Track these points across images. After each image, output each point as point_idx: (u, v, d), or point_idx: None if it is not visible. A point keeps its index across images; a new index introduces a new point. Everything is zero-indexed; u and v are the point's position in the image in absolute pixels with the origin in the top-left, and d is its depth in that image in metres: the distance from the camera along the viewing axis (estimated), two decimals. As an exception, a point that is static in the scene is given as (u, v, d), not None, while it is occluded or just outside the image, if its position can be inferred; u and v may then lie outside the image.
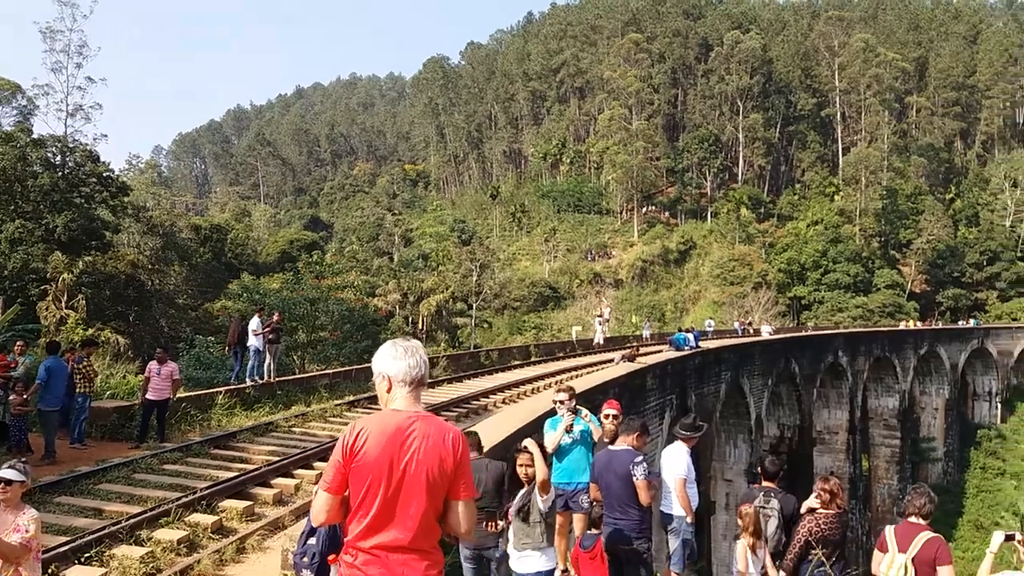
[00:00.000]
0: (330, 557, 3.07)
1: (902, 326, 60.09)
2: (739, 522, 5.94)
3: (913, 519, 5.22)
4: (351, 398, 17.74)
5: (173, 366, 13.33)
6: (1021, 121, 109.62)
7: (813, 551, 5.65)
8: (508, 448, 9.78)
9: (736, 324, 50.66)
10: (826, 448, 42.03)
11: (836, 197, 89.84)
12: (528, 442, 5.38)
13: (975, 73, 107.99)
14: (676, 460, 6.46)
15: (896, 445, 49.27)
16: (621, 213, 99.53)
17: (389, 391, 3.05)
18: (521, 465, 5.23)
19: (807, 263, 76.40)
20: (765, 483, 6.76)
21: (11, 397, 11.27)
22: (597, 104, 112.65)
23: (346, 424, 15.28)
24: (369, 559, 2.85)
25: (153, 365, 13.06)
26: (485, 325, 69.54)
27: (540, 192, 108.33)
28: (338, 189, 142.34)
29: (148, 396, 12.83)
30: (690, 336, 26.08)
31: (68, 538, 7.90)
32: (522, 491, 5.29)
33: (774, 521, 6.30)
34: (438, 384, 21.74)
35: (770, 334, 43.10)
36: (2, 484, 4.88)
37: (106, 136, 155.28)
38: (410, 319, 58.58)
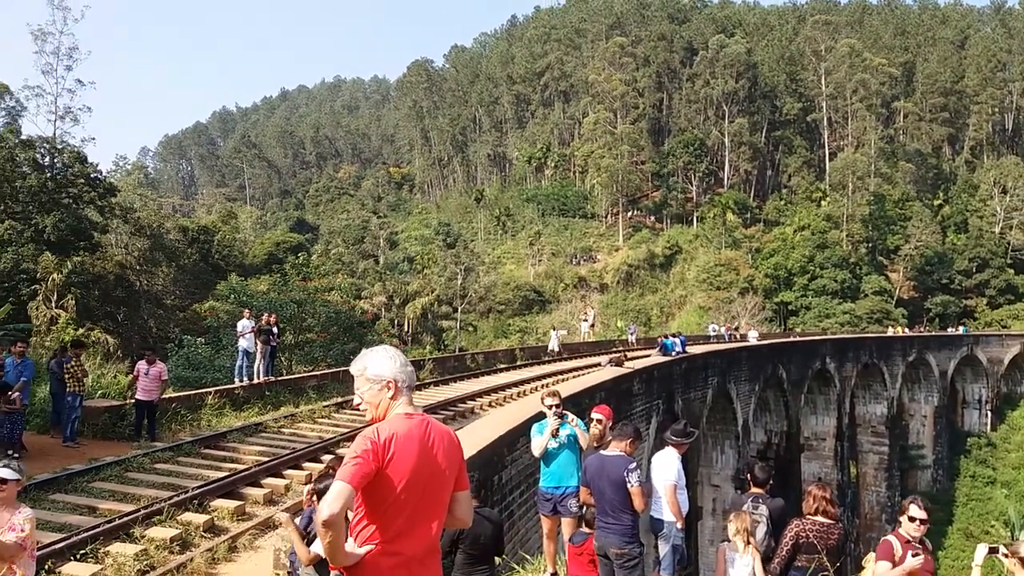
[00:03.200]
0: (331, 565, 3.10)
1: (890, 332, 60.22)
2: (732, 526, 6.02)
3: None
4: (339, 399, 17.80)
5: (161, 366, 13.46)
6: (1010, 127, 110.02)
7: (802, 557, 5.74)
8: (496, 451, 9.93)
9: (713, 327, 50.40)
10: (814, 455, 42.27)
11: (823, 202, 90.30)
12: (284, 518, 5.41)
13: (963, 79, 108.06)
14: (667, 466, 6.51)
15: (884, 452, 49.50)
16: (606, 217, 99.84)
17: (395, 397, 3.14)
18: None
19: (794, 268, 76.70)
20: (754, 489, 6.83)
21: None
22: (582, 108, 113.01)
23: (336, 425, 15.41)
24: (398, 562, 2.98)
25: (142, 365, 13.17)
26: (470, 328, 69.64)
27: (525, 196, 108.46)
28: (323, 191, 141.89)
29: (137, 396, 12.97)
30: (677, 341, 26.31)
31: (63, 535, 7.96)
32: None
33: (763, 527, 6.37)
34: (424, 387, 21.80)
35: (757, 340, 43.31)
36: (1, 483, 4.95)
37: (94, 139, 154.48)
38: (396, 321, 58.56)
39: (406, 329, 57.69)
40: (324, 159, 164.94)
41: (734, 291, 73.78)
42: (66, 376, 12.47)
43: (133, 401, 13.31)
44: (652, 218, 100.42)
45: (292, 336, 25.79)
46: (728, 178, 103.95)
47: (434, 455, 3.08)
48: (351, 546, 2.98)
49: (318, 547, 5.00)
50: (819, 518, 5.84)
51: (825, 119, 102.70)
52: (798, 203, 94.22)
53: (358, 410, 3.24)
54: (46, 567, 7.07)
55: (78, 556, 7.61)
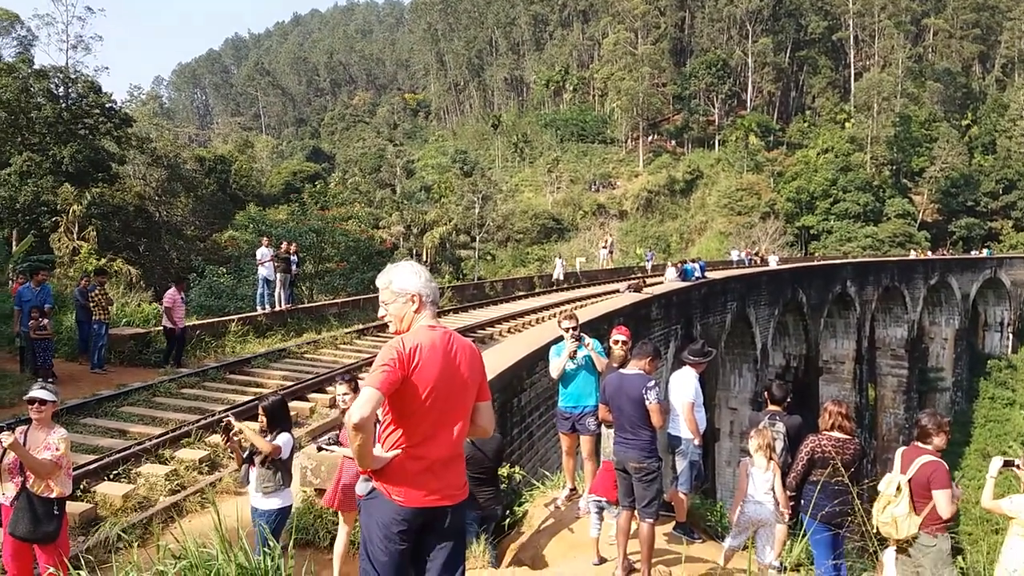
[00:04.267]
0: (359, 469, 3.19)
1: (912, 255, 59.42)
2: (753, 441, 6.08)
3: (919, 443, 5.31)
4: (360, 326, 18.01)
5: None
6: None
7: (817, 471, 5.80)
8: (515, 374, 10.02)
9: (735, 253, 50.18)
10: (832, 378, 42.44)
11: (847, 124, 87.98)
12: (233, 421, 5.71)
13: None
14: (684, 384, 6.57)
15: (903, 375, 49.67)
16: (626, 142, 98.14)
17: (419, 311, 3.27)
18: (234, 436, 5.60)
19: (816, 192, 75.40)
20: (772, 407, 6.89)
21: (29, 322, 11.52)
22: (602, 28, 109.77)
23: (357, 351, 15.62)
24: (423, 466, 3.15)
25: (175, 294, 13.39)
26: (489, 257, 69.53)
27: (543, 121, 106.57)
28: (338, 119, 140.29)
29: (170, 324, 13.21)
30: (696, 266, 26.16)
31: (96, 456, 8.24)
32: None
33: (780, 443, 6.46)
34: (444, 314, 21.98)
35: (777, 264, 43.04)
36: (37, 403, 5.08)
37: (108, 68, 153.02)
38: (414, 251, 58.58)
39: (424, 259, 57.65)
40: (338, 86, 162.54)
41: (755, 216, 72.82)
42: (91, 304, 12.68)
43: (162, 328, 13.53)
44: (673, 142, 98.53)
45: (312, 265, 25.93)
46: (751, 100, 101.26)
47: (457, 365, 3.23)
48: (378, 451, 3.13)
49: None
50: (835, 433, 5.89)
51: (852, 37, 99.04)
52: (822, 125, 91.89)
53: (384, 322, 3.34)
54: (81, 486, 7.33)
55: (111, 476, 7.88)
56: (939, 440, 5.26)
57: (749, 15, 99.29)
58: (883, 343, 49.81)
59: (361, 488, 3.26)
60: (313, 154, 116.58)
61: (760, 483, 5.92)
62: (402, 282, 3.27)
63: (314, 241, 25.87)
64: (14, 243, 28.10)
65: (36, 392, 5.10)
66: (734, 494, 6.26)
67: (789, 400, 7.03)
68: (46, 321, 11.78)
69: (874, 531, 5.32)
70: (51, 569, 4.71)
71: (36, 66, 41.55)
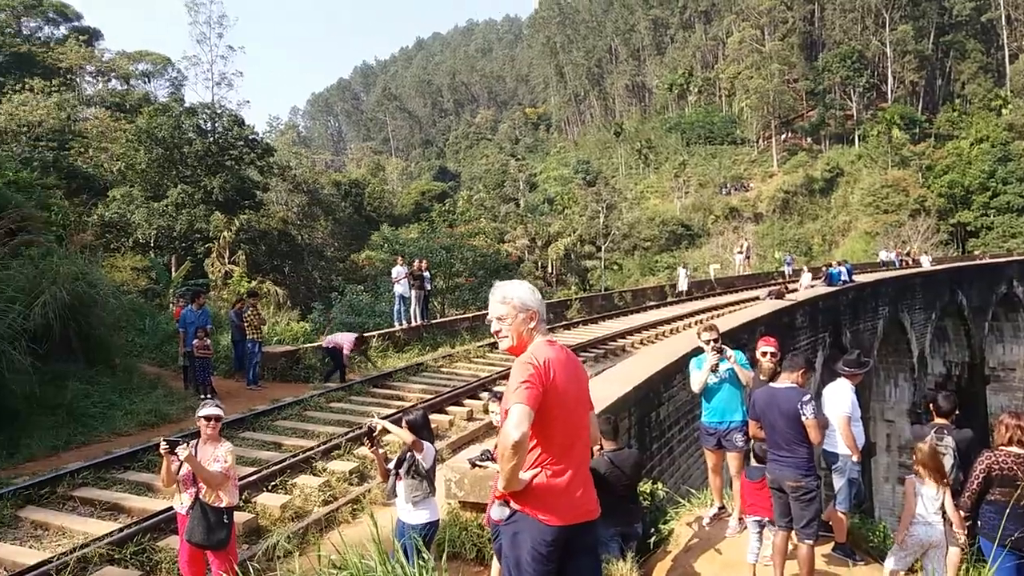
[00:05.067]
0: (495, 494, 3.17)
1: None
2: (913, 457, 5.66)
3: None
4: (491, 340, 18.19)
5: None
6: None
7: (995, 490, 5.31)
8: (651, 387, 9.77)
9: (884, 253, 47.11)
10: (1001, 386, 38.82)
11: (1004, 111, 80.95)
12: (376, 422, 5.75)
13: None
14: (840, 397, 6.22)
15: (1091, 383, 44.83)
16: (757, 142, 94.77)
17: (536, 328, 3.29)
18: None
19: (972, 186, 69.61)
20: (938, 420, 6.43)
21: (195, 342, 12.41)
22: (725, 27, 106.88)
23: (490, 364, 15.83)
24: (567, 480, 3.14)
25: (351, 339, 14.20)
26: (615, 267, 68.93)
27: (667, 125, 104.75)
28: (462, 138, 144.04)
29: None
30: (843, 270, 24.77)
31: (255, 468, 8.73)
32: (402, 452, 5.62)
33: (949, 459, 5.98)
34: (573, 326, 21.91)
35: (930, 264, 40.16)
36: (212, 420, 5.44)
37: (248, 102, 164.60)
38: (539, 263, 59.03)
39: (550, 270, 57.96)
40: (461, 105, 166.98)
41: (904, 214, 68.07)
42: (245, 324, 13.54)
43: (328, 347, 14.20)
44: (808, 140, 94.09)
45: (443, 281, 26.66)
46: (892, 91, 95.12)
47: (577, 377, 3.31)
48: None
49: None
50: (1013, 448, 5.36)
51: (1003, 17, 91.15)
52: (974, 113, 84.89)
53: (497, 336, 3.34)
54: (243, 497, 7.77)
55: (270, 487, 8.32)
56: None
57: (885, 2, 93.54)
58: (1061, 348, 45.13)
59: (498, 513, 3.20)
60: (440, 173, 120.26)
61: (930, 502, 5.46)
62: (524, 298, 3.29)
63: (444, 258, 26.60)
64: (173, 269, 30.53)
65: (210, 410, 5.46)
66: (901, 513, 5.82)
67: (957, 412, 6.48)
68: (209, 341, 12.68)
69: None
70: (223, 574, 5.00)
71: (186, 104, 45.17)
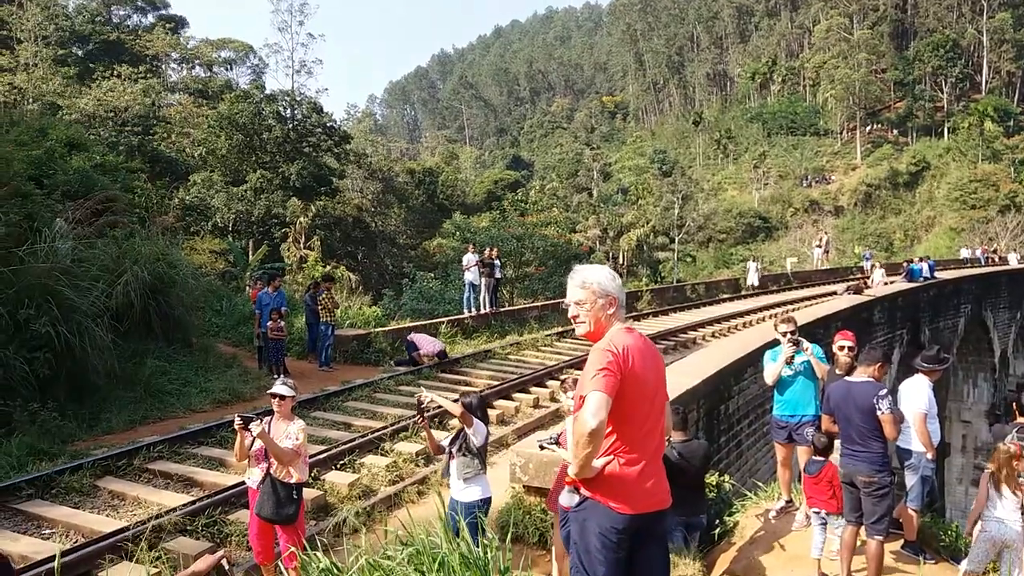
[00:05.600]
0: (566, 480, 3.18)
1: None
2: (993, 462, 5.41)
3: None
4: (559, 329, 18.24)
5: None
6: None
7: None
8: (722, 380, 9.59)
9: (965, 251, 45.03)
10: (1086, 389, 36.78)
11: (1106, 102, 75.96)
12: (423, 393, 5.90)
13: None
14: (917, 393, 6.07)
15: None
16: (841, 133, 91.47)
17: (615, 315, 3.22)
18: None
19: (1067, 181, 65.75)
20: (1020, 419, 6.22)
21: (268, 323, 12.80)
22: (812, 15, 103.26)
23: (557, 353, 15.82)
24: (641, 469, 3.13)
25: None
26: (688, 259, 67.71)
27: (748, 115, 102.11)
28: (537, 127, 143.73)
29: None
30: (924, 266, 23.80)
31: (325, 447, 8.99)
32: (455, 431, 5.74)
33: (1030, 459, 5.73)
34: (643, 317, 21.71)
35: (1019, 262, 38.19)
36: (278, 398, 5.60)
37: (327, 89, 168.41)
38: (610, 254, 58.50)
39: (621, 261, 57.38)
40: (537, 94, 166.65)
41: (992, 210, 64.66)
42: (319, 308, 13.89)
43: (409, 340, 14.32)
44: (895, 132, 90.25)
45: (512, 270, 26.72)
46: (986, 82, 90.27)
47: (656, 367, 3.27)
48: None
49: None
50: None
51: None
52: (1074, 104, 79.83)
53: (575, 322, 3.30)
54: (312, 474, 8.01)
55: (338, 465, 8.55)
56: None
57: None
58: None
59: (567, 500, 3.20)
60: (513, 162, 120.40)
61: (1007, 501, 5.23)
62: (604, 283, 3.23)
63: (515, 247, 26.63)
64: (250, 252, 31.52)
65: (277, 388, 5.62)
66: (974, 505, 5.60)
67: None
68: (283, 323, 13.06)
69: None
70: (292, 548, 5.16)
71: (267, 91, 46.43)
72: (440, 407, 6.02)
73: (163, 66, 57.15)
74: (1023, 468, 5.35)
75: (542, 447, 5.89)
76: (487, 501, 5.71)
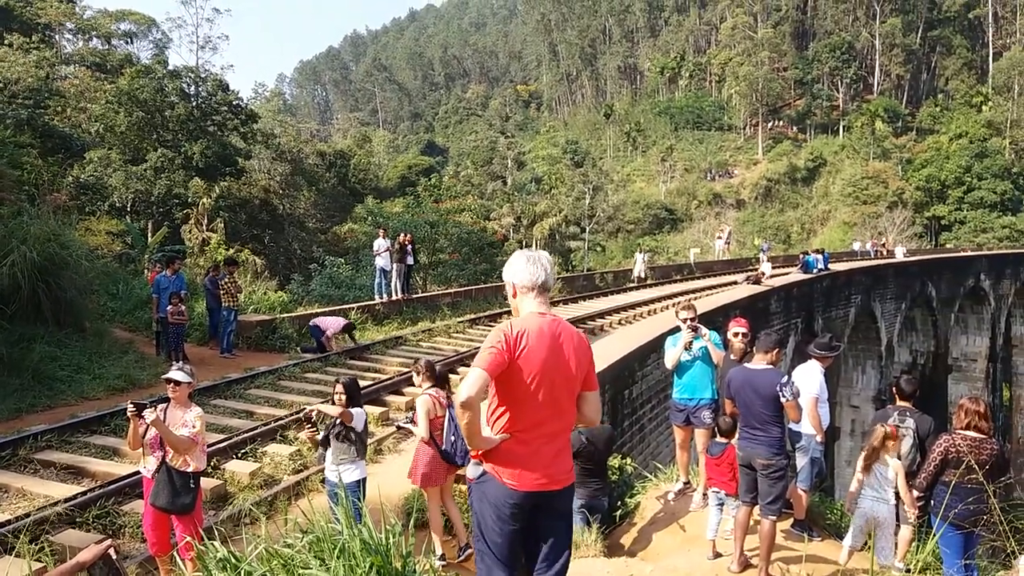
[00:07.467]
0: (472, 454, 3.26)
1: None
2: (870, 442, 5.77)
3: None
4: (472, 316, 18.27)
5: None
6: None
7: (950, 472, 5.44)
8: (626, 366, 9.87)
9: (857, 244, 47.85)
10: (962, 376, 39.84)
11: (984, 107, 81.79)
12: (310, 409, 6.35)
13: None
14: (809, 378, 6.37)
15: (1044, 375, 45.92)
16: (744, 129, 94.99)
17: (515, 296, 3.37)
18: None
19: (948, 180, 70.52)
20: (900, 403, 6.53)
21: (168, 308, 12.30)
22: (719, 12, 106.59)
23: (469, 340, 15.84)
24: (530, 451, 3.19)
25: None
26: (598, 248, 68.99)
27: (657, 109, 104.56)
28: (452, 113, 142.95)
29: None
30: (819, 258, 25.03)
31: (225, 436, 8.72)
32: (328, 425, 6.08)
33: (908, 440, 6.12)
34: (553, 305, 21.96)
35: (904, 256, 40.81)
36: (172, 384, 5.40)
37: (233, 66, 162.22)
38: (524, 242, 58.91)
39: (534, 249, 58.02)
40: (452, 79, 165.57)
41: (882, 205, 68.93)
42: (221, 292, 13.43)
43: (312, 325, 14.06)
44: (794, 128, 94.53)
45: (426, 256, 26.54)
46: (878, 84, 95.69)
47: (564, 352, 3.25)
48: (487, 432, 3.19)
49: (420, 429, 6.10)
50: (970, 432, 5.49)
51: (990, 14, 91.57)
52: (955, 109, 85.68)
53: (494, 312, 3.39)
54: (212, 463, 7.77)
55: (239, 455, 8.32)
56: None
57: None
58: (1020, 340, 46.09)
59: (472, 472, 3.31)
60: (427, 148, 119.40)
61: (881, 479, 5.61)
62: (508, 273, 3.40)
63: (428, 233, 26.44)
64: (150, 234, 30.14)
65: (172, 374, 5.43)
66: (852, 483, 5.97)
67: (918, 395, 6.63)
68: (183, 307, 12.57)
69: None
70: (188, 538, 4.99)
71: (169, 67, 44.26)
72: (324, 415, 6.22)
73: (57, 36, 53.48)
74: (896, 448, 5.73)
75: (399, 427, 6.22)
76: (364, 481, 5.96)
